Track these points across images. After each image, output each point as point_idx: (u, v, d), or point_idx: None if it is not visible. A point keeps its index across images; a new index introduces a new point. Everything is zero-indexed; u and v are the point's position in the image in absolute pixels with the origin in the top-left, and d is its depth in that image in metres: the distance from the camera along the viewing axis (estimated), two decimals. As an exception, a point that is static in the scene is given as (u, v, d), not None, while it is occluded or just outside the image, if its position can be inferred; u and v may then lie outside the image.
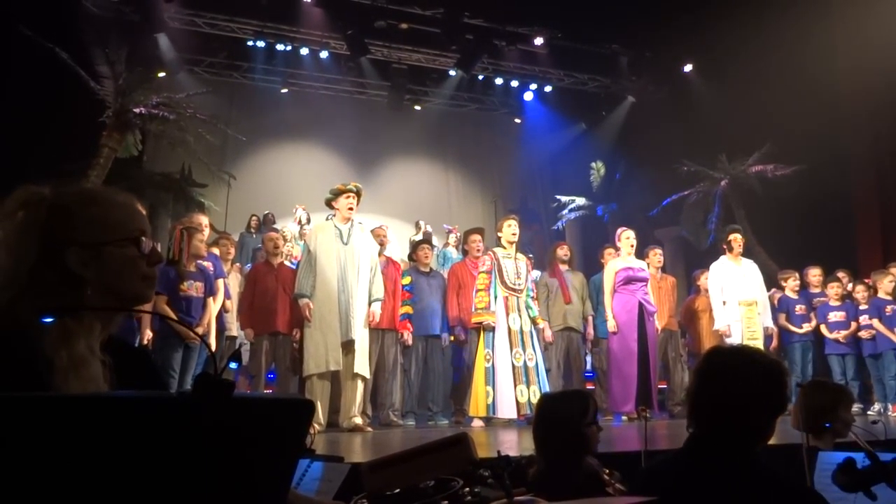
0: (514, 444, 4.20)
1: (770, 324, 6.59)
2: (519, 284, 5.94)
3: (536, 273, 7.52)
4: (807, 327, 6.97)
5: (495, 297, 5.82)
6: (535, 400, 5.55)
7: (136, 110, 8.88)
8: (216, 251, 5.89)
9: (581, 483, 2.11)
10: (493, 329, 5.76)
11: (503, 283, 5.86)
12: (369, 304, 5.36)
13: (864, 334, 6.80)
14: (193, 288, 4.75)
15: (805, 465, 2.07)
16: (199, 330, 4.73)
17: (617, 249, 6.60)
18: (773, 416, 1.62)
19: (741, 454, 1.55)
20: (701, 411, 1.61)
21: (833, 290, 7.03)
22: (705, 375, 1.64)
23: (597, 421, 2.33)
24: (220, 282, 5.27)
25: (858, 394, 6.45)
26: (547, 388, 5.65)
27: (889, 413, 6.39)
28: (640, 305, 6.21)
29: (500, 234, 6.09)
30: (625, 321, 6.17)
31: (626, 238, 6.40)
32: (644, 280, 6.31)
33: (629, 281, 6.24)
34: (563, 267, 6.83)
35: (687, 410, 1.68)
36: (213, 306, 5.00)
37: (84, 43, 8.82)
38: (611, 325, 6.20)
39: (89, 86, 8.79)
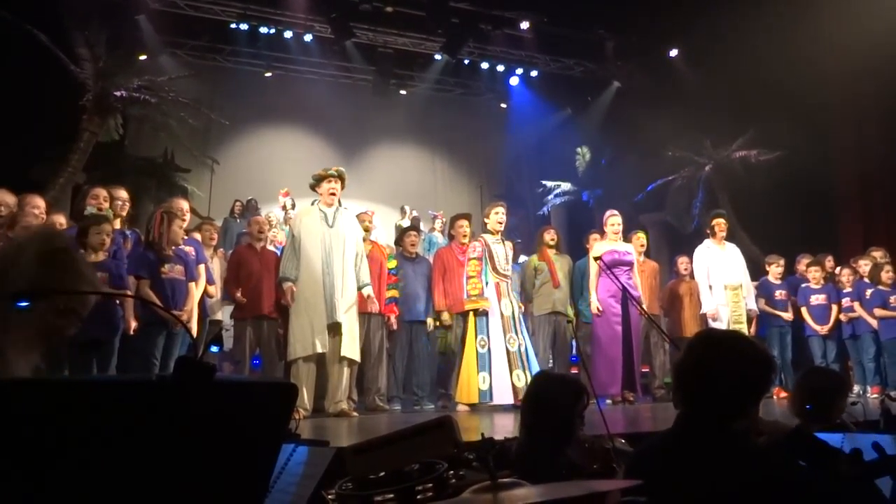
0: (499, 428, 4.23)
1: (753, 307, 6.66)
2: (508, 270, 5.96)
3: (523, 257, 7.56)
4: (787, 316, 7.02)
5: (487, 283, 5.82)
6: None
7: (117, 93, 8.76)
8: (198, 236, 5.83)
9: (561, 468, 2.11)
10: (486, 314, 5.76)
11: (494, 268, 5.86)
12: (359, 290, 5.36)
13: (844, 317, 6.90)
14: (175, 271, 4.69)
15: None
16: (184, 316, 4.69)
17: (603, 234, 6.63)
18: (757, 398, 1.65)
19: (725, 433, 1.57)
20: (687, 388, 1.64)
21: (812, 273, 7.11)
22: (696, 353, 1.66)
23: (583, 414, 2.33)
24: (202, 267, 5.21)
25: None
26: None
27: (868, 395, 6.50)
28: (625, 289, 6.24)
29: (486, 221, 6.08)
30: (609, 304, 6.21)
31: (613, 222, 6.42)
32: (629, 264, 6.33)
33: (613, 264, 6.27)
34: (551, 251, 6.87)
35: (673, 386, 1.71)
36: (196, 291, 4.95)
37: (63, 25, 8.67)
38: (593, 306, 6.24)
39: (69, 69, 8.65)
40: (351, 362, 5.29)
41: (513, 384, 5.56)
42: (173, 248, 4.73)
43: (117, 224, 4.93)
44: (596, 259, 5.74)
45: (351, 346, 5.24)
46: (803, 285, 7.16)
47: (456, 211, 7.42)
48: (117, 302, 4.47)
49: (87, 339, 4.31)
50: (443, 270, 6.35)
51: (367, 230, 6.31)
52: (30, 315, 1.29)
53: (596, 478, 2.06)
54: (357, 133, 12.58)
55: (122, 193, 5.12)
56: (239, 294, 5.73)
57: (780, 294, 7.11)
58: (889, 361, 6.62)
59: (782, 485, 1.48)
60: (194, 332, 4.93)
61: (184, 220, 5.21)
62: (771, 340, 6.99)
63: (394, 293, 6.14)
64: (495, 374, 5.63)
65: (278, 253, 5.96)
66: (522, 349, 5.75)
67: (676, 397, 1.68)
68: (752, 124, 10.19)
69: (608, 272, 5.68)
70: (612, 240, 6.41)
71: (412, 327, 6.32)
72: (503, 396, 5.57)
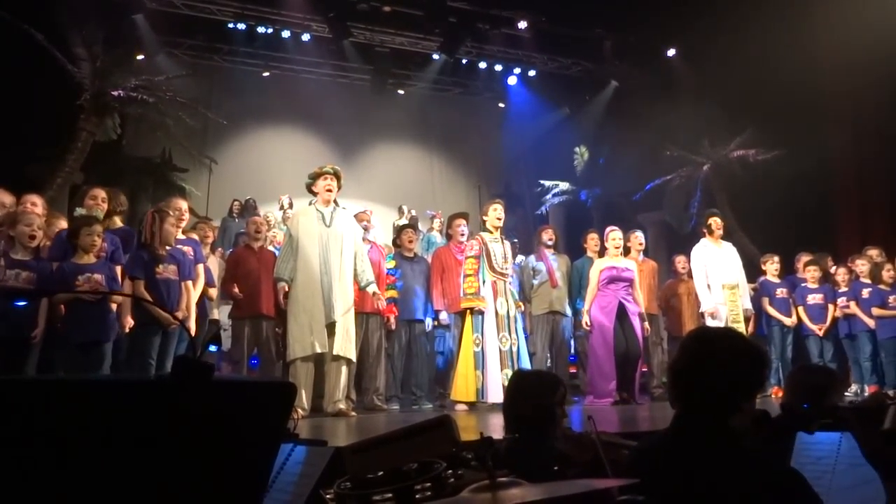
0: (498, 427, 4.23)
1: (749, 305, 6.66)
2: (506, 269, 5.96)
3: (521, 257, 7.55)
4: (789, 321, 6.98)
5: (483, 282, 5.82)
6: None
7: (115, 93, 8.74)
8: (195, 236, 5.82)
9: (547, 461, 2.11)
10: (482, 313, 5.75)
11: (491, 267, 5.85)
12: (363, 288, 5.35)
13: (840, 313, 6.90)
14: (168, 271, 4.67)
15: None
16: (179, 314, 4.67)
17: (605, 248, 6.61)
18: (751, 394, 1.65)
19: (721, 431, 1.58)
20: (682, 387, 1.65)
21: (810, 273, 7.11)
22: (689, 352, 1.66)
23: (563, 404, 2.33)
24: (200, 267, 5.17)
25: (835, 375, 6.55)
26: (525, 372, 5.68)
27: (866, 394, 6.50)
28: (621, 304, 6.24)
29: (485, 219, 6.08)
30: (603, 319, 6.21)
31: (614, 237, 6.44)
32: (628, 280, 6.33)
33: (612, 280, 6.29)
34: (549, 251, 6.88)
35: (668, 385, 1.71)
36: (193, 291, 4.93)
37: (60, 24, 8.65)
38: (585, 321, 6.28)
39: (66, 68, 8.62)
40: (349, 362, 5.29)
41: (503, 384, 5.56)
42: (167, 247, 4.70)
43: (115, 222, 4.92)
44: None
45: (348, 346, 5.24)
46: (801, 285, 7.16)
47: (454, 210, 7.43)
48: (112, 304, 4.46)
49: (83, 341, 4.30)
50: (441, 270, 6.36)
51: (365, 229, 6.32)
52: None
53: (587, 469, 2.06)
54: (355, 133, 12.58)
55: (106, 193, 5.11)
56: (236, 289, 5.74)
57: (781, 293, 7.09)
58: (886, 360, 6.63)
59: (777, 484, 1.49)
60: (192, 331, 4.91)
61: (181, 220, 5.19)
62: (772, 339, 7.00)
63: (392, 293, 6.15)
64: (489, 373, 5.64)
65: (276, 253, 5.96)
66: (514, 349, 5.76)
67: (672, 396, 1.68)
68: (750, 124, 10.20)
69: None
70: (612, 255, 6.42)
71: (411, 327, 6.33)
72: (496, 395, 5.58)
